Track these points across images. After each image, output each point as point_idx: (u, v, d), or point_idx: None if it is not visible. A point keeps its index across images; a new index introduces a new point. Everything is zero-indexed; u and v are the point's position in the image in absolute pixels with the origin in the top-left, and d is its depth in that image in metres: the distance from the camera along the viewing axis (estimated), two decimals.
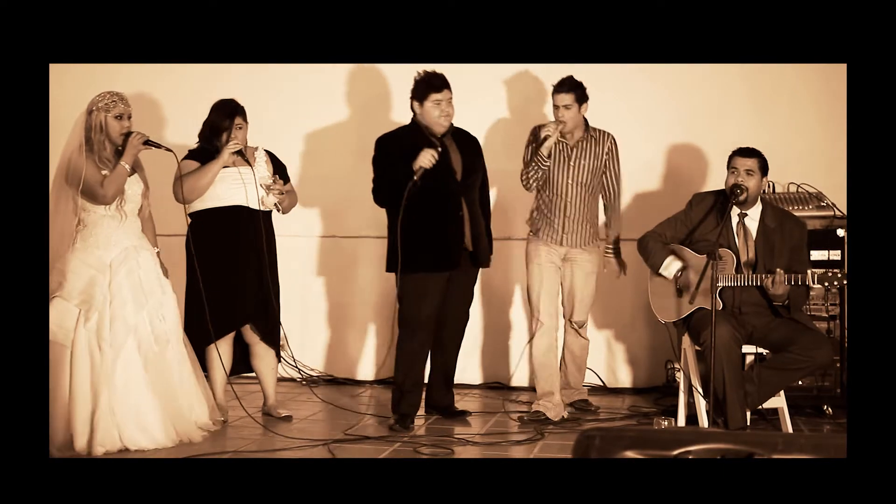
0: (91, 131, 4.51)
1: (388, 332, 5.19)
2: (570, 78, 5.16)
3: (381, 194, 4.98)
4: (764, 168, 4.76)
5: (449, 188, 4.92)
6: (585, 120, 5.25)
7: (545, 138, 5.06)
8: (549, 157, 5.12)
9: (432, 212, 4.89)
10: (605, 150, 5.25)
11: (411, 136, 4.93)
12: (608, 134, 5.28)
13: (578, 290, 5.26)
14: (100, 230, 4.52)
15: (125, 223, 4.57)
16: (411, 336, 4.98)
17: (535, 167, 5.14)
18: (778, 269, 4.55)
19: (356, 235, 6.06)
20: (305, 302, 6.50)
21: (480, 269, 5.21)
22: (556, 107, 5.15)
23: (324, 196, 6.42)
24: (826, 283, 4.54)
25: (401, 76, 5.48)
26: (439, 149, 4.84)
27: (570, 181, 5.18)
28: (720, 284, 4.59)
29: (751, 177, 4.71)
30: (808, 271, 4.56)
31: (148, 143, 4.60)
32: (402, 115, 5.55)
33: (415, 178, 4.77)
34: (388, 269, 4.99)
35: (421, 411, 5.17)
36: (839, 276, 4.52)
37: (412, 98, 4.99)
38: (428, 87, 4.93)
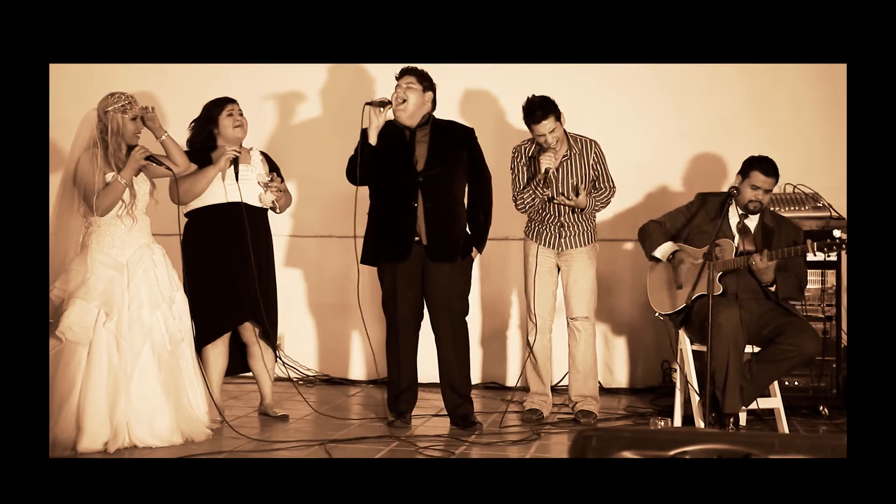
0: (106, 133, 4.50)
1: (381, 332, 5.16)
2: (540, 101, 4.99)
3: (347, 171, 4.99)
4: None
5: (405, 179, 4.87)
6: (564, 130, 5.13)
7: (546, 171, 4.96)
8: (546, 186, 5.04)
9: (388, 203, 4.91)
10: (592, 160, 5.14)
11: (384, 130, 4.90)
12: (591, 142, 5.16)
13: (574, 282, 5.17)
14: (115, 230, 4.52)
15: (137, 223, 4.58)
16: (391, 332, 5.00)
17: (533, 195, 5.08)
18: (765, 250, 4.61)
19: (349, 235, 6.06)
20: (299, 301, 6.51)
21: (475, 264, 5.16)
22: (540, 135, 4.99)
23: (319, 195, 6.43)
24: (825, 250, 4.54)
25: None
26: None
27: (562, 197, 5.11)
28: (718, 273, 4.65)
29: (768, 194, 4.77)
30: (807, 241, 4.59)
31: (150, 158, 4.57)
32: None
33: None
34: (360, 261, 5.05)
35: (419, 410, 5.18)
36: (837, 240, 4.52)
37: None
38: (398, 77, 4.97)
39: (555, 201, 5.09)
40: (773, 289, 4.72)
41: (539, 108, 4.98)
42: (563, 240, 5.16)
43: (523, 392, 5.54)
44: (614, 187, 5.22)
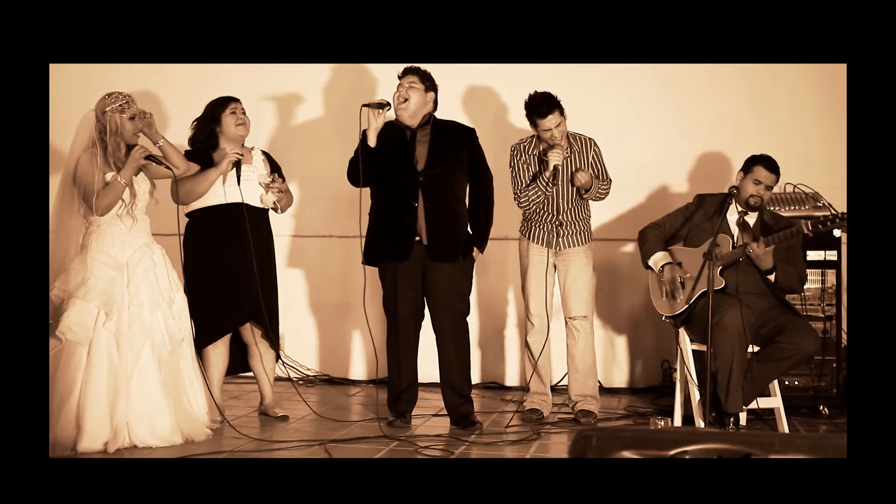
0: (105, 133, 4.50)
1: (381, 331, 5.17)
2: (544, 96, 5.01)
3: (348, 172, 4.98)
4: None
5: (406, 178, 4.86)
6: None
7: (555, 168, 4.95)
8: (554, 183, 5.03)
9: (388, 203, 4.91)
10: (591, 157, 5.16)
11: (385, 130, 4.90)
12: (589, 140, 5.18)
13: (571, 282, 5.18)
14: (115, 230, 4.52)
15: (137, 223, 4.58)
16: (391, 332, 5.00)
17: (539, 193, 5.08)
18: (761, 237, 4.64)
19: (350, 235, 6.08)
20: (300, 301, 6.51)
21: (476, 265, 5.15)
22: (546, 130, 5.00)
23: (320, 195, 6.43)
24: (820, 226, 4.54)
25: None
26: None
27: (560, 195, 5.12)
28: (718, 267, 4.67)
29: (769, 191, 4.80)
30: (802, 221, 4.60)
31: (150, 158, 4.57)
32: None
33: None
34: (362, 262, 5.03)
35: (419, 410, 5.18)
36: (830, 217, 4.51)
37: None
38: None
39: (578, 186, 5.07)
40: (772, 277, 4.72)
41: (544, 104, 4.99)
42: (560, 239, 5.16)
43: (523, 392, 5.54)
44: (611, 179, 5.22)
